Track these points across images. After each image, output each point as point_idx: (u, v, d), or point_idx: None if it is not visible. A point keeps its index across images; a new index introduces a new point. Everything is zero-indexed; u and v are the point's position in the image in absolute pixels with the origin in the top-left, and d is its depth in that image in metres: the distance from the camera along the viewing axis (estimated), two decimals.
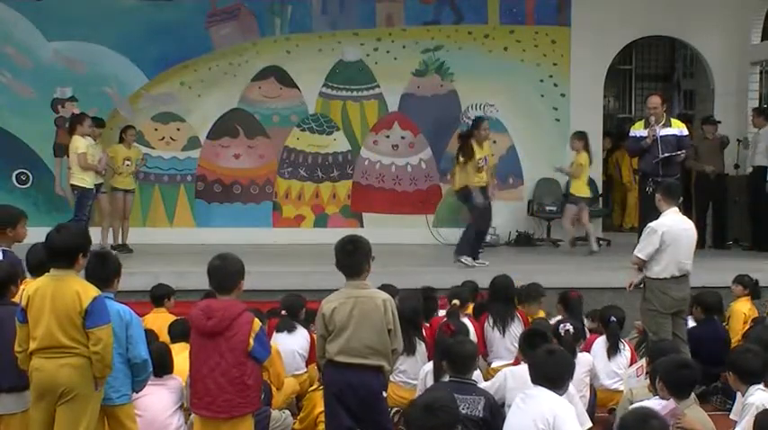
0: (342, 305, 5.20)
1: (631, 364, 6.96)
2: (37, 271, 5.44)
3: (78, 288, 4.83)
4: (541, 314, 7.85)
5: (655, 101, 9.88)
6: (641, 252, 7.29)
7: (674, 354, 5.45)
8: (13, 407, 5.15)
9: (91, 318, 4.78)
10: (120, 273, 5.29)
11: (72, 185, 10.53)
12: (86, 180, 10.38)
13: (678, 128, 9.82)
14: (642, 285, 7.49)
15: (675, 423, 4.64)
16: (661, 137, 9.69)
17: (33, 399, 4.90)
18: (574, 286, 8.41)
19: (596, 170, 13.31)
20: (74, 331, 4.80)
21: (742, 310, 8.26)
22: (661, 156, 9.60)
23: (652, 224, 7.29)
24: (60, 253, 4.91)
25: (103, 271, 5.19)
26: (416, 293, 7.72)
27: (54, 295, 4.81)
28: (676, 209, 7.34)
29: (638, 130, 9.89)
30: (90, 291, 4.85)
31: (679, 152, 9.72)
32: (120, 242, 11.20)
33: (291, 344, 6.98)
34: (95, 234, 10.83)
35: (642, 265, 7.34)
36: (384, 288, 7.67)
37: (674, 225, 7.25)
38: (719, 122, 12.60)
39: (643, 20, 13.12)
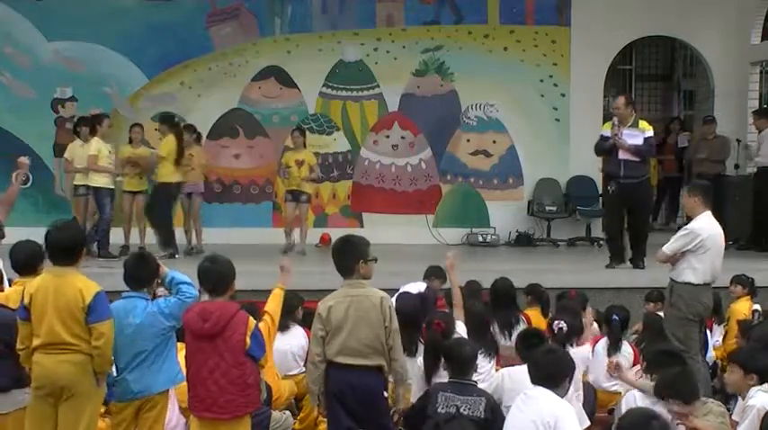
0: (338, 304, 5.18)
1: (634, 366, 6.95)
2: (25, 269, 5.46)
3: (80, 284, 4.88)
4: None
5: (618, 102, 9.93)
6: (669, 248, 6.97)
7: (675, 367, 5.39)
8: (8, 406, 5.15)
9: (93, 313, 4.82)
10: (159, 275, 5.27)
11: (92, 188, 10.55)
12: (97, 180, 10.43)
13: (644, 129, 9.79)
14: (669, 290, 7.21)
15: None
16: (625, 135, 9.64)
17: (34, 391, 4.93)
18: (574, 286, 8.41)
19: (597, 170, 13.31)
20: (76, 327, 4.83)
21: (741, 310, 8.08)
22: (621, 141, 9.53)
23: (691, 226, 6.98)
24: (63, 250, 4.94)
25: (141, 272, 5.22)
26: (416, 293, 7.69)
27: (57, 291, 4.84)
28: (710, 212, 7.05)
29: (605, 131, 9.93)
30: (92, 287, 4.89)
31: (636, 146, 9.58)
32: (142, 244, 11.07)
33: (284, 344, 6.87)
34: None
35: (667, 262, 7.06)
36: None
37: (713, 229, 6.98)
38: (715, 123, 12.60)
39: (643, 20, 13.13)
